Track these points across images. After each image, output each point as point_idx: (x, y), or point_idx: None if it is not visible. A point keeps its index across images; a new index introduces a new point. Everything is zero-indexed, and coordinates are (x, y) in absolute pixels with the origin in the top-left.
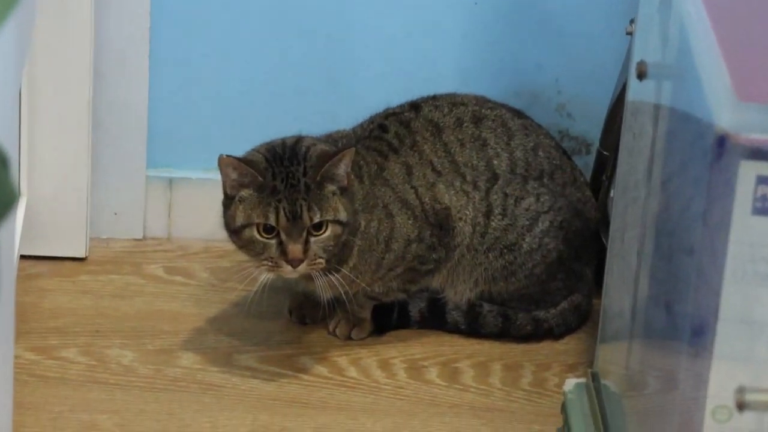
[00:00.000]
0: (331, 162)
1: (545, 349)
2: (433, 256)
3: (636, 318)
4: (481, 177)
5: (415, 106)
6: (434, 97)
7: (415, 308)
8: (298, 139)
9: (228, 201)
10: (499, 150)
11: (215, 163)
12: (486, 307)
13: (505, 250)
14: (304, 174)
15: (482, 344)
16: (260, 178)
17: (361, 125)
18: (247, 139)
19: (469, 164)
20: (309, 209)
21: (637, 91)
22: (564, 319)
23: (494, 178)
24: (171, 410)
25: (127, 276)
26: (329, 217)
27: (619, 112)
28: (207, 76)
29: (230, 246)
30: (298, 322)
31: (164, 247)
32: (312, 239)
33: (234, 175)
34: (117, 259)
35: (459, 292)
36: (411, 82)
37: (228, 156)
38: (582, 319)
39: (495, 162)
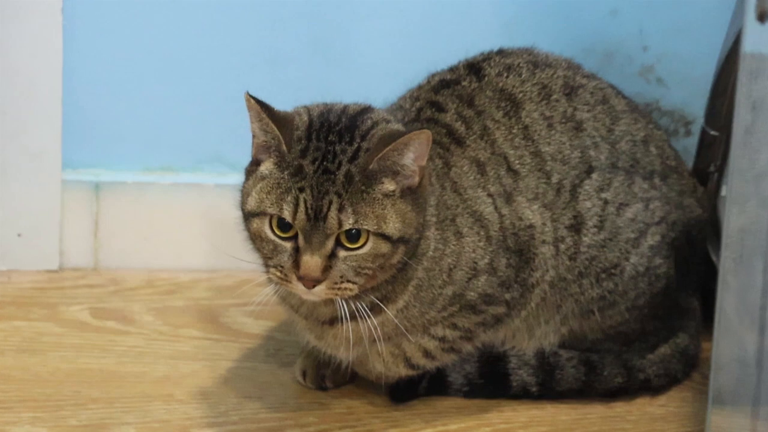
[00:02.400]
0: (392, 146)
1: (634, 412)
2: (505, 296)
3: (765, 366)
4: (569, 174)
5: (473, 68)
6: (502, 53)
7: (460, 372)
8: (365, 109)
9: (251, 167)
10: (597, 139)
11: (160, 161)
12: (564, 354)
13: (603, 275)
14: (353, 158)
15: (542, 409)
16: (284, 147)
17: (405, 100)
18: (210, 125)
19: (559, 157)
20: (340, 209)
21: (758, 41)
22: (666, 368)
23: (587, 172)
24: None
25: (39, 322)
26: (369, 226)
27: (733, 74)
28: (148, 34)
29: (183, 277)
30: (315, 387)
31: (90, 280)
32: (342, 253)
33: (257, 128)
34: (23, 300)
35: (538, 338)
36: (428, 38)
37: (253, 97)
38: (688, 367)
39: (592, 153)
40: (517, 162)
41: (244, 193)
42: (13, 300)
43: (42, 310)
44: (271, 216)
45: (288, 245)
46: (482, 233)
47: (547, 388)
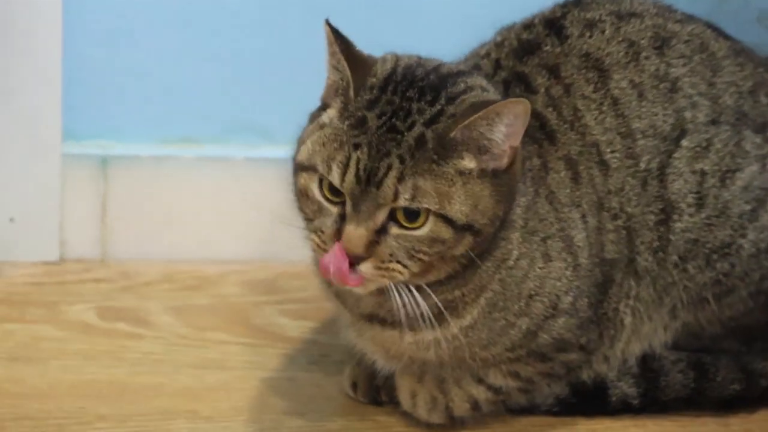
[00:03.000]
0: (482, 113)
1: (755, 431)
2: (581, 340)
3: None
4: (658, 150)
5: (553, 26)
6: (580, 4)
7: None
8: (462, 71)
9: (317, 112)
10: (696, 97)
11: (179, 131)
12: (670, 357)
13: (715, 256)
14: (431, 121)
15: (642, 426)
16: (351, 92)
17: (482, 60)
18: (238, 87)
19: (650, 132)
20: (400, 179)
21: None
22: None
23: (677, 139)
24: None
25: (36, 325)
26: (430, 204)
27: None
28: None
29: (208, 270)
30: (368, 401)
31: (96, 274)
32: (394, 230)
33: (330, 65)
34: (17, 297)
35: (645, 336)
36: None
37: (331, 26)
38: None
39: (687, 115)
40: (608, 151)
41: (300, 140)
42: (6, 298)
43: (39, 310)
44: (321, 175)
45: (334, 210)
46: (570, 260)
47: (650, 398)
